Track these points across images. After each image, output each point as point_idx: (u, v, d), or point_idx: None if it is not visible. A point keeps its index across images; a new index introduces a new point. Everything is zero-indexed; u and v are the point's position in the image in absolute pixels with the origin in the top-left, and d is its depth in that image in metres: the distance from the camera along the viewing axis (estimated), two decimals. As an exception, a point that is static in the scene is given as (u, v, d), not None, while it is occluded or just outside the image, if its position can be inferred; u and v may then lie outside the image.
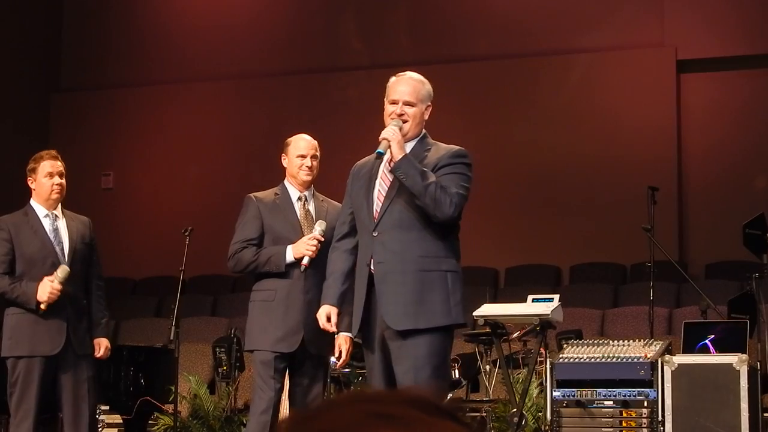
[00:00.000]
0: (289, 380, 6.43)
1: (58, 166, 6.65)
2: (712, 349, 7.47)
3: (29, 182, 6.65)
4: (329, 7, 14.55)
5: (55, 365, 6.46)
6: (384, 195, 5.40)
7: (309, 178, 6.46)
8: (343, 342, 6.18)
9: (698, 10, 13.16)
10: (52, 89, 15.39)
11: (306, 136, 6.53)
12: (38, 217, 6.59)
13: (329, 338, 6.39)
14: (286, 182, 6.52)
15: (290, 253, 6.25)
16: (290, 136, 6.64)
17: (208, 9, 14.90)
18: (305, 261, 6.20)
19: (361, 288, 5.39)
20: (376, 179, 5.47)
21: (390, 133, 5.29)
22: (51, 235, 6.56)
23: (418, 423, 1.44)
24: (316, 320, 6.25)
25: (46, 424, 6.75)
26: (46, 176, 6.59)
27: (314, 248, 6.21)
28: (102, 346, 6.64)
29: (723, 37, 13.09)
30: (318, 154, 6.51)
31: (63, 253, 6.55)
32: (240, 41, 14.67)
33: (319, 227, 6.26)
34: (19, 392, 6.40)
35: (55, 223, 6.61)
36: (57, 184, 6.61)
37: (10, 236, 6.53)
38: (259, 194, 6.53)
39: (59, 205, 6.68)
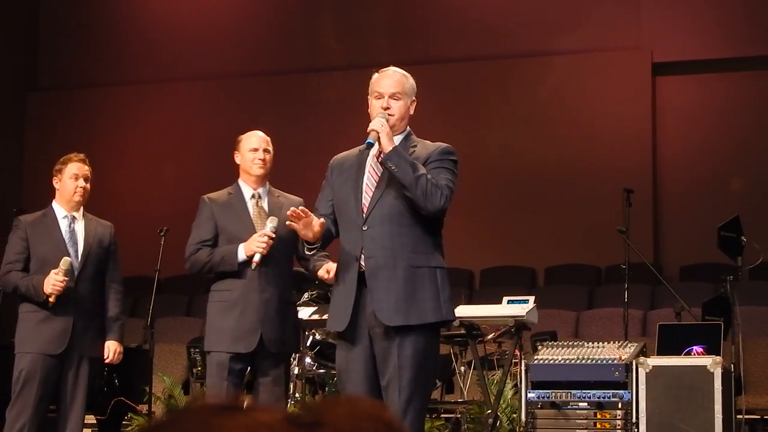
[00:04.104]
0: (253, 380, 6.39)
1: (85, 170, 6.86)
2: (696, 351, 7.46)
3: (54, 182, 6.85)
4: (307, 7, 14.54)
5: (60, 364, 6.59)
6: (373, 188, 5.24)
7: (262, 171, 6.43)
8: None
9: (674, 13, 13.21)
10: (29, 88, 15.33)
11: (258, 132, 6.51)
12: (56, 218, 6.79)
13: (289, 335, 6.36)
14: (240, 181, 6.53)
15: (242, 252, 6.18)
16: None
17: (186, 9, 14.87)
18: (256, 258, 6.09)
19: (350, 282, 5.18)
20: (363, 172, 5.29)
21: (378, 124, 5.14)
22: (66, 236, 6.75)
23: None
24: (274, 319, 6.21)
25: (49, 422, 6.79)
26: (72, 178, 6.80)
27: (265, 245, 6.11)
28: (111, 349, 6.76)
29: (698, 40, 13.15)
30: (270, 148, 6.47)
31: (76, 255, 6.72)
32: (217, 41, 14.64)
33: (271, 224, 6.15)
34: (21, 387, 6.54)
35: (72, 225, 6.81)
36: (81, 187, 6.81)
37: (26, 235, 6.71)
38: (212, 195, 6.55)
39: (81, 208, 6.87)
